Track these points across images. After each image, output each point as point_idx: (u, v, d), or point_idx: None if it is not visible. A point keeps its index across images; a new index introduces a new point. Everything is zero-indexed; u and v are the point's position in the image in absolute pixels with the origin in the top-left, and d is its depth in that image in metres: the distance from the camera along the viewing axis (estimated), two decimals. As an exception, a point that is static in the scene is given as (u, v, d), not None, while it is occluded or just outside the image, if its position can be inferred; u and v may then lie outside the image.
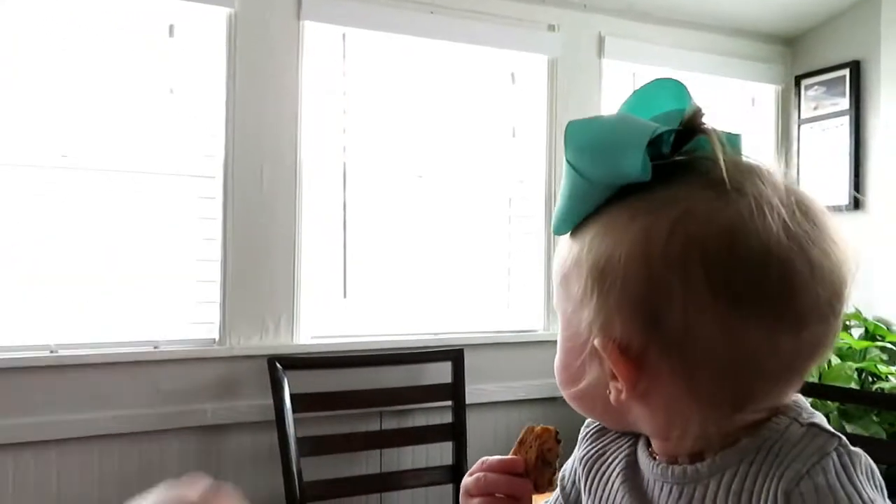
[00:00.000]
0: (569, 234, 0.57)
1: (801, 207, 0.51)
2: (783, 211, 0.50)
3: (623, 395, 0.53)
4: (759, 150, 0.55)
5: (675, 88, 0.54)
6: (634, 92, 0.56)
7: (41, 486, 1.85)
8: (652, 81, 0.56)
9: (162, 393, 1.96)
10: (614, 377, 0.53)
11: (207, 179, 2.06)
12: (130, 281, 1.97)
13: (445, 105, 2.37)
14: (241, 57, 2.05)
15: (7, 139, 1.85)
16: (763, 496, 0.50)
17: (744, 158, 0.53)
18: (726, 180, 0.50)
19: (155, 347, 1.98)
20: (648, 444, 0.59)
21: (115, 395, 1.91)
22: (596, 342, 0.52)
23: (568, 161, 0.53)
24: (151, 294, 1.99)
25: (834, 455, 0.50)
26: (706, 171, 0.51)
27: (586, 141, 0.53)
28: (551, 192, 2.47)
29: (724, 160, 0.50)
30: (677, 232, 0.49)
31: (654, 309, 0.50)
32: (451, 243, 2.39)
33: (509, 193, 2.49)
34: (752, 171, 0.52)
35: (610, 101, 2.54)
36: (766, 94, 2.96)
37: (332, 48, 2.20)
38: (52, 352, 1.87)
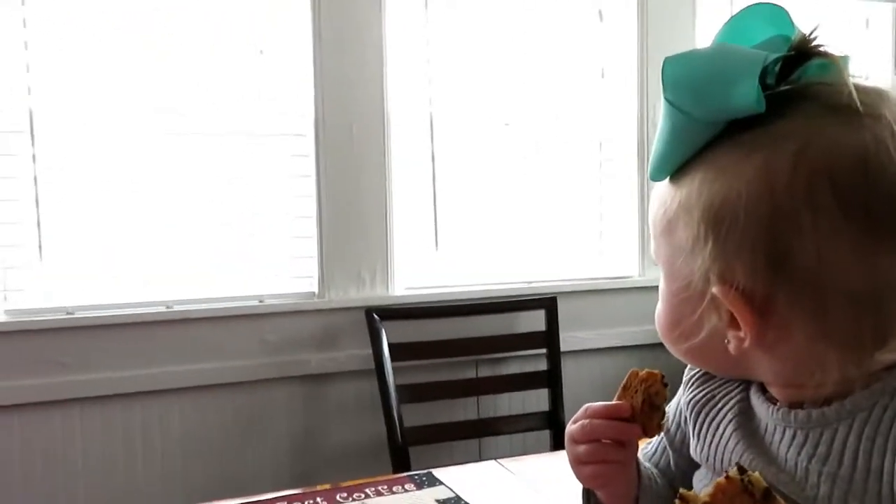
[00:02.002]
0: (668, 179, 0.54)
1: None
2: None
3: (746, 344, 0.50)
4: (874, 75, 0.51)
5: (774, 13, 0.50)
6: (728, 20, 0.52)
7: (166, 431, 2.00)
8: (747, 8, 0.52)
9: (268, 344, 2.06)
10: (734, 325, 0.50)
11: (300, 138, 2.10)
12: (235, 239, 2.06)
13: (531, 48, 2.31)
14: (325, 12, 2.06)
15: (116, 108, 1.96)
16: None
17: (864, 81, 0.49)
18: (857, 104, 0.46)
19: (260, 301, 2.07)
20: (763, 389, 0.57)
21: (225, 346, 2.03)
22: (715, 290, 0.50)
23: (667, 100, 0.50)
24: (255, 251, 2.08)
25: None
26: (826, 98, 0.48)
27: (688, 76, 0.49)
28: (644, 134, 2.38)
29: (850, 82, 0.47)
30: (803, 162, 0.46)
31: (781, 247, 0.47)
32: (542, 190, 2.36)
33: (599, 137, 2.43)
34: (881, 94, 0.48)
35: (706, 35, 2.40)
36: (883, 13, 2.72)
37: (415, -1, 2.19)
38: (167, 307, 2.00)
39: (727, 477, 0.47)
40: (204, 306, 2.02)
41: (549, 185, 2.36)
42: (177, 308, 2.00)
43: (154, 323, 1.97)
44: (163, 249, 2.01)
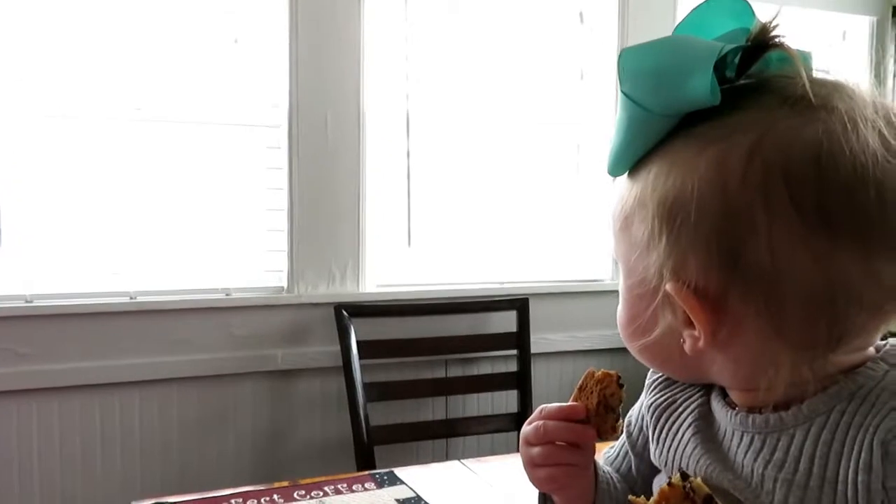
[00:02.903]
0: (626, 174, 0.53)
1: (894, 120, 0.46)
2: (880, 123, 0.45)
3: (701, 343, 0.49)
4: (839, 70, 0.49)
5: (736, 6, 0.49)
6: (690, 12, 0.51)
7: (125, 424, 1.96)
8: (709, 0, 0.50)
9: (234, 338, 2.03)
10: (689, 324, 0.49)
11: (273, 129, 2.07)
12: (203, 230, 2.03)
13: (511, 48, 2.30)
14: (303, 4, 2.03)
15: (85, 94, 1.91)
16: (857, 447, 0.46)
17: (822, 74, 0.48)
18: (810, 95, 0.45)
19: (227, 294, 2.04)
20: (724, 394, 0.56)
21: (190, 339, 1.99)
22: (668, 287, 0.49)
23: (624, 93, 0.48)
24: (223, 243, 2.05)
25: None
26: (782, 90, 0.47)
27: (644, 68, 0.48)
28: None
29: (805, 74, 0.46)
30: (756, 156, 0.45)
31: (734, 244, 0.46)
32: (517, 191, 2.35)
33: (577, 139, 2.42)
34: (837, 86, 0.48)
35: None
36: (860, 26, 2.75)
37: (394, -8, 2.17)
38: (131, 298, 1.95)
39: (670, 483, 0.47)
40: (169, 298, 1.98)
41: (525, 186, 2.35)
42: (141, 299, 1.96)
43: (116, 314, 1.93)
44: (128, 238, 1.97)
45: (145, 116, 1.96)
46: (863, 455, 0.45)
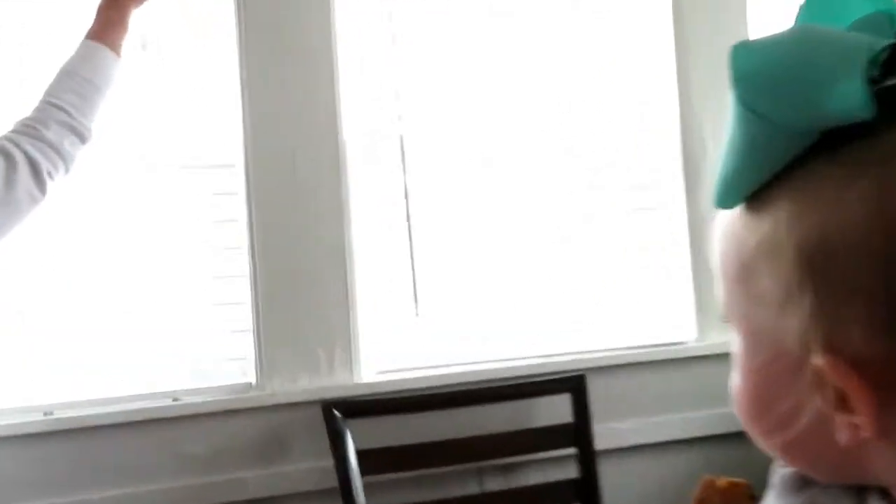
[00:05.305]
0: (739, 208, 0.44)
1: None
2: None
3: (864, 433, 0.41)
4: None
5: None
6: None
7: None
8: None
9: (187, 459, 1.80)
10: (845, 408, 0.40)
11: (226, 168, 1.88)
12: (137, 317, 1.81)
13: (539, 41, 1.99)
14: (250, 11, 1.83)
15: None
16: None
17: None
18: None
19: (174, 400, 1.83)
20: (884, 493, 0.46)
21: (125, 465, 1.77)
22: (817, 362, 0.40)
23: (740, 100, 0.40)
24: (164, 332, 1.82)
25: None
26: None
27: (768, 69, 0.40)
28: (691, 165, 2.12)
29: None
30: None
31: None
32: (558, 233, 2.05)
33: (636, 165, 2.11)
34: None
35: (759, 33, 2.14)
36: None
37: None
38: (46, 414, 1.75)
39: None
40: (96, 411, 1.76)
41: (569, 226, 2.06)
42: (59, 415, 1.74)
43: (27, 436, 1.71)
44: (38, 341, 1.76)
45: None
46: None
